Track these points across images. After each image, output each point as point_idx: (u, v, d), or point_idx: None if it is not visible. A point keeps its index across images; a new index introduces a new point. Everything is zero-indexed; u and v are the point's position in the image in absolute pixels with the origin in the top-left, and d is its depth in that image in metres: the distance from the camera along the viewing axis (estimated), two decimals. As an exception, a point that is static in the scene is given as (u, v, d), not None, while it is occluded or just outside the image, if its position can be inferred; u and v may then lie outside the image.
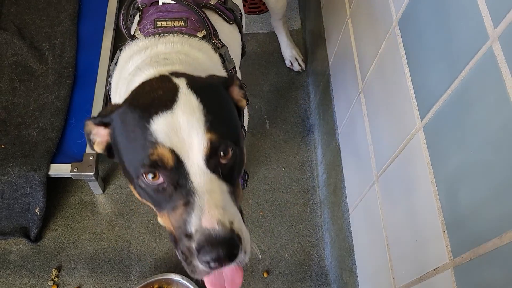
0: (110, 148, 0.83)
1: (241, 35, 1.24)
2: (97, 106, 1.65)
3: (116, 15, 1.84)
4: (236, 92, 0.87)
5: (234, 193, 0.76)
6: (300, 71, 1.98)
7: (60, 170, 1.53)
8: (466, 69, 0.77)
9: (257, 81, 1.95)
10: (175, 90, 0.75)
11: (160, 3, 1.08)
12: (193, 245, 0.69)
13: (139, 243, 1.63)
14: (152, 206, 0.79)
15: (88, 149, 1.57)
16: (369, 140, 1.26)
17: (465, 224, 0.78)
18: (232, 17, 1.18)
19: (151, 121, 0.71)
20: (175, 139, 0.70)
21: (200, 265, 0.70)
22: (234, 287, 0.80)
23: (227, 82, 0.84)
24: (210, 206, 0.69)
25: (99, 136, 0.83)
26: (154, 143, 0.70)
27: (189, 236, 0.69)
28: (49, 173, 1.51)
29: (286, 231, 1.67)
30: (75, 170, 1.51)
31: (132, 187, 0.80)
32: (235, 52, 1.18)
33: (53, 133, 1.55)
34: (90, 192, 1.70)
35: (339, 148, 1.53)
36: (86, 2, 1.88)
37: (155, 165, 0.70)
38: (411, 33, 0.99)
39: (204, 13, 1.07)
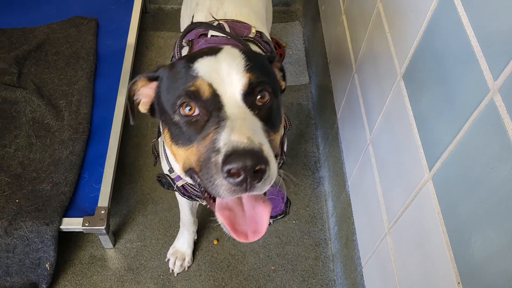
0: (152, 108, 0.90)
1: None
2: (110, 160, 1.68)
3: (130, 74, 1.92)
4: (276, 71, 0.95)
5: (269, 135, 0.77)
6: None
7: (71, 224, 1.54)
8: (470, 121, 0.79)
9: (266, 135, 1.98)
10: (220, 48, 0.83)
11: (209, 36, 1.15)
12: (220, 158, 0.68)
13: (148, 299, 1.60)
14: (179, 151, 0.80)
15: (100, 203, 1.58)
16: (379, 192, 1.26)
17: (479, 275, 0.77)
18: (269, 49, 1.24)
19: (196, 62, 0.79)
20: (215, 76, 0.76)
21: (223, 181, 0.69)
22: (257, 232, 0.77)
23: (271, 57, 0.93)
24: (241, 127, 0.70)
25: (145, 96, 0.90)
26: (194, 77, 0.76)
27: (217, 151, 0.69)
28: (61, 227, 1.52)
29: (298, 286, 1.63)
30: (86, 224, 1.52)
31: (165, 132, 0.84)
32: None
33: (67, 187, 1.58)
34: (101, 247, 1.70)
35: (350, 200, 1.53)
36: (103, 61, 1.96)
37: (192, 95, 0.75)
38: (416, 86, 1.02)
39: (248, 45, 1.13)
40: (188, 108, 0.76)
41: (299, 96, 2.12)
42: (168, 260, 1.66)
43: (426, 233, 0.96)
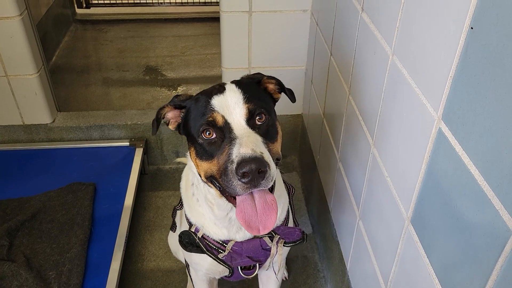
0: (178, 126, 1.16)
1: None
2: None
3: (126, 237, 1.84)
4: (271, 87, 1.19)
5: (268, 146, 1.02)
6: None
7: None
8: (497, 269, 0.69)
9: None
10: (224, 85, 1.10)
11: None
12: (234, 166, 0.93)
13: None
14: (202, 164, 1.04)
15: None
16: None
17: None
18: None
19: (212, 99, 1.05)
20: (225, 109, 1.02)
21: (238, 182, 0.93)
22: (266, 228, 1.01)
23: (258, 78, 1.18)
24: (247, 142, 0.96)
25: (174, 117, 1.17)
26: (212, 111, 1.02)
27: (231, 162, 0.94)
28: None
29: None
30: None
31: (191, 150, 1.08)
32: None
33: None
34: None
35: None
36: (99, 225, 1.90)
37: (210, 124, 1.01)
38: (427, 232, 0.95)
39: None
40: (208, 132, 1.02)
41: (304, 248, 2.01)
42: None
43: None
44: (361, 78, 1.33)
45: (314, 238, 2.05)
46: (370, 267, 1.33)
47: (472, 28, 0.74)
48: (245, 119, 1.02)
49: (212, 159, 1.02)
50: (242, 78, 1.20)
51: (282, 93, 1.22)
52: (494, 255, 0.70)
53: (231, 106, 1.03)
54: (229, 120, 1.01)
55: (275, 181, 1.04)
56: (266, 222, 1.01)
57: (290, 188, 1.37)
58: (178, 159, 2.41)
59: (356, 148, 1.41)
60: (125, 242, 1.82)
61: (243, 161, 0.91)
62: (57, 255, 1.74)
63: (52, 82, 2.31)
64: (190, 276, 1.53)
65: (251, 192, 1.00)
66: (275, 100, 1.21)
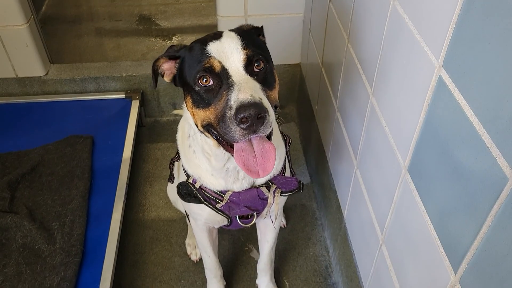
0: (174, 78, 1.15)
1: None
2: (105, 284, 1.55)
3: (126, 188, 1.86)
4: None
5: (266, 93, 1.01)
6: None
7: None
8: (491, 215, 0.70)
9: (271, 240, 1.87)
10: (221, 33, 1.07)
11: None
12: (232, 112, 0.92)
13: None
14: (199, 112, 1.03)
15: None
16: (401, 298, 1.12)
17: None
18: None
19: (208, 45, 1.02)
20: (222, 55, 1.00)
21: (237, 128, 0.92)
22: (265, 171, 1.01)
23: (258, 30, 1.18)
24: (245, 88, 0.94)
25: (169, 69, 1.14)
26: (208, 57, 1.00)
27: (229, 108, 0.93)
28: None
29: None
30: None
31: (188, 99, 1.06)
32: None
33: (57, 319, 1.43)
34: None
35: (369, 308, 1.38)
36: (98, 177, 1.92)
37: (207, 70, 0.99)
38: (424, 180, 0.95)
39: None
40: (205, 79, 1.00)
41: (302, 196, 2.05)
42: None
43: None
44: (361, 25, 1.29)
45: (312, 187, 2.08)
46: (366, 215, 1.36)
47: (477, -31, 0.70)
48: (243, 65, 1.00)
49: (209, 106, 1.00)
50: (241, 26, 1.17)
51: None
52: (489, 201, 0.71)
53: (228, 52, 1.00)
54: (227, 66, 0.99)
55: (272, 129, 1.03)
56: (266, 166, 1.01)
57: (287, 138, 1.37)
58: (175, 111, 2.39)
59: (355, 97, 1.40)
60: (125, 193, 1.85)
61: (242, 107, 0.90)
62: (58, 206, 1.76)
63: (43, 33, 2.25)
64: (190, 225, 1.56)
65: (249, 139, 1.00)
66: None
